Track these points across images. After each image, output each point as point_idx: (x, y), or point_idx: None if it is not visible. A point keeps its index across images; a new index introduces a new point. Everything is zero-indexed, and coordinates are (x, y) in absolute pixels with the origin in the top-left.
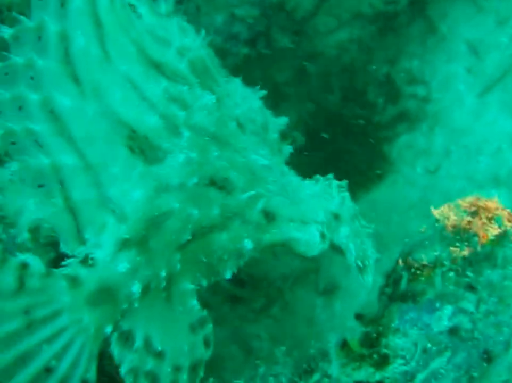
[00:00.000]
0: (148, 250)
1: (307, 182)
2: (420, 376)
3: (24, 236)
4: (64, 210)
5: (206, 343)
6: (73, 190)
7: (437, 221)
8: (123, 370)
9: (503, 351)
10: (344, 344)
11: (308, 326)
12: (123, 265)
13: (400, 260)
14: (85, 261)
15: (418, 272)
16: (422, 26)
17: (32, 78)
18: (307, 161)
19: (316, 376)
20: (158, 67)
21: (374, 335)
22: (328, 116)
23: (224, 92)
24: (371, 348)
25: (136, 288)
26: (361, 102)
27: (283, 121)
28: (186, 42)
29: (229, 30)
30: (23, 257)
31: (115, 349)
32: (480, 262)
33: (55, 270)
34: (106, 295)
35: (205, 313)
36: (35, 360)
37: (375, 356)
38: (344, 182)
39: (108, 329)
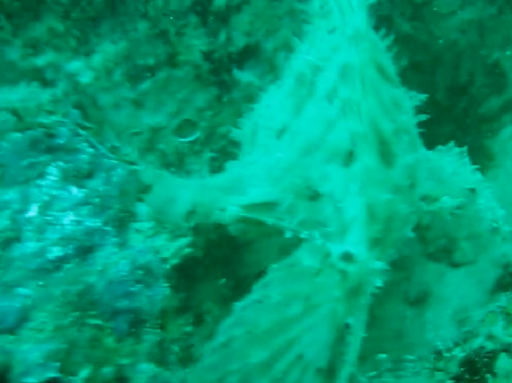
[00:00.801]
0: (384, 248)
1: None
2: None
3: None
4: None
5: None
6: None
7: None
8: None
9: None
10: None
11: (397, 339)
12: (378, 263)
13: None
14: (348, 257)
15: None
16: None
17: None
18: None
19: (479, 339)
20: (381, 72)
21: None
22: (433, 108)
23: None
24: None
25: (379, 282)
26: (467, 93)
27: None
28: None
29: None
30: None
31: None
32: None
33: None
34: (358, 290)
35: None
36: (295, 346)
37: None
38: (465, 148)
39: (350, 320)
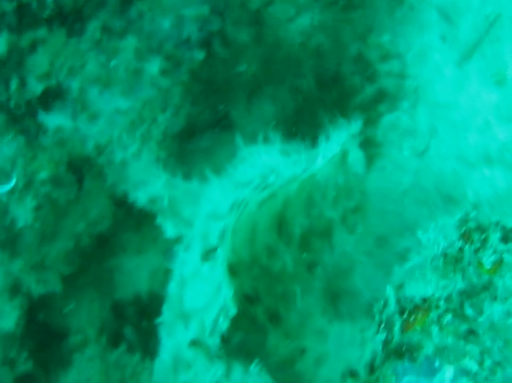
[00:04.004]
0: None
1: None
2: None
3: None
4: None
5: None
6: None
7: (426, 248)
8: None
9: None
10: None
11: None
12: None
13: (392, 298)
14: None
15: (412, 318)
16: None
17: None
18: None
19: None
20: None
21: None
22: (305, 104)
23: None
24: None
25: None
26: (337, 86)
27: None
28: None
29: (178, 34)
30: None
31: None
32: (479, 294)
33: None
34: None
35: None
36: None
37: None
38: None
39: None
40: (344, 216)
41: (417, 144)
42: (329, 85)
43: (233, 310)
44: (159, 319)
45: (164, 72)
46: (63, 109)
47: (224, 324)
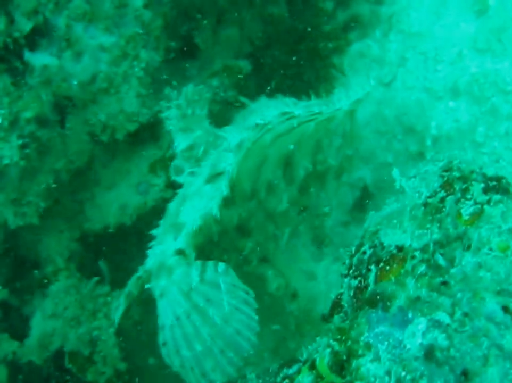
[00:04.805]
0: None
1: None
2: None
3: None
4: None
5: None
6: None
7: (406, 196)
8: None
9: (481, 368)
10: (312, 366)
11: None
12: None
13: (367, 246)
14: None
15: (387, 267)
16: None
17: None
18: (256, 84)
19: None
20: None
21: (345, 356)
22: (274, 30)
23: None
24: (341, 373)
25: None
26: (309, 11)
27: None
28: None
29: None
30: None
31: None
32: (452, 243)
33: None
34: None
35: None
36: None
37: None
38: None
39: None
40: (340, 164)
41: (384, 74)
42: (301, 13)
43: (215, 211)
44: (153, 230)
45: (147, 5)
46: (49, 47)
47: (197, 222)
